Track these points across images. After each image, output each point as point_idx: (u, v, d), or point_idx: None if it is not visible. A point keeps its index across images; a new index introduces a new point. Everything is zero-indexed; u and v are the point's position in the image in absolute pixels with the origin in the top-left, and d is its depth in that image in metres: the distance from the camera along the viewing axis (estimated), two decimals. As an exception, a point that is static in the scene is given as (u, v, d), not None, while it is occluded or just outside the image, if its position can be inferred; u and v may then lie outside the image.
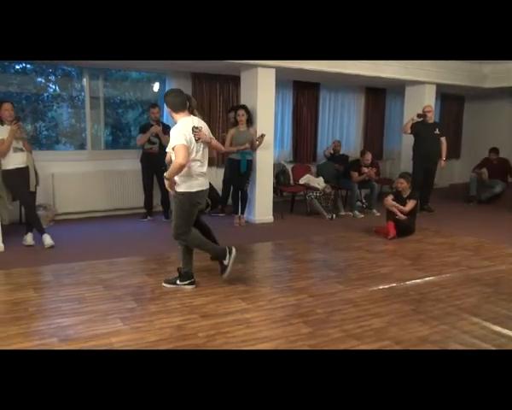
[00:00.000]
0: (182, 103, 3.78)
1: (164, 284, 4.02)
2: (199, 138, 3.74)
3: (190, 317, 3.40)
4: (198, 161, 3.77)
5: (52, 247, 5.08)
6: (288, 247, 5.44)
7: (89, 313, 3.41)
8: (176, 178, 3.72)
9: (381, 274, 4.49)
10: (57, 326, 3.21)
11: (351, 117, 9.32)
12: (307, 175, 7.54)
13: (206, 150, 3.90)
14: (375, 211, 7.34)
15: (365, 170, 7.33)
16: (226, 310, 3.55)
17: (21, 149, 5.05)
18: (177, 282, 4.00)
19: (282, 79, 7.35)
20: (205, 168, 3.87)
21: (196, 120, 3.81)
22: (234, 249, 3.98)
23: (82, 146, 7.13)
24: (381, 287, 4.13)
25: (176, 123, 3.77)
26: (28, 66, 6.67)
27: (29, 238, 5.17)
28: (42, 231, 5.14)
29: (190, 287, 3.98)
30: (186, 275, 4.00)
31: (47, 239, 5.11)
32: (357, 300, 3.82)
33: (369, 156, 7.40)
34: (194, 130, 3.72)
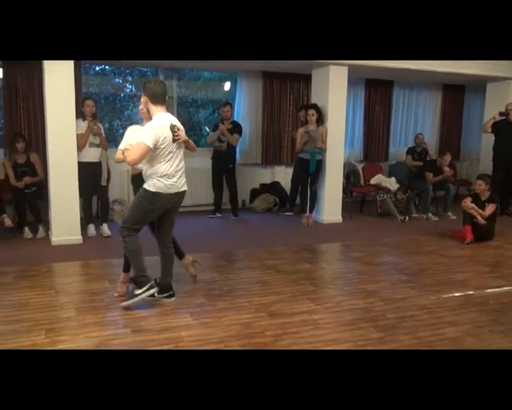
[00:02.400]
0: (163, 96, 3.36)
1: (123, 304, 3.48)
2: (178, 138, 3.34)
3: (258, 315, 3.41)
4: (169, 162, 3.34)
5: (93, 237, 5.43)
6: (356, 248, 5.32)
7: (160, 306, 3.51)
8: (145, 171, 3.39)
9: (457, 281, 4.26)
10: (131, 317, 3.33)
11: (426, 115, 8.95)
12: (379, 175, 7.33)
13: (182, 150, 3.46)
14: (450, 214, 6.99)
15: (447, 169, 7.01)
16: (293, 310, 3.52)
17: (97, 145, 5.35)
18: (156, 294, 3.50)
19: (353, 77, 7.20)
20: (178, 169, 3.41)
21: (174, 119, 3.44)
22: (155, 289, 3.46)
23: (156, 144, 7.36)
24: (456, 294, 3.93)
25: (150, 118, 3.37)
26: (107, 67, 7.00)
27: (105, 228, 5.45)
28: (89, 222, 5.54)
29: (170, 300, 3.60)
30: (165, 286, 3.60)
31: (91, 229, 5.50)
32: (430, 306, 3.65)
33: (448, 157, 7.06)
34: (173, 129, 3.32)
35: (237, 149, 6.93)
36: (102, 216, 5.60)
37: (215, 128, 6.62)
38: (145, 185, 3.39)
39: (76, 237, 5.15)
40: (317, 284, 4.14)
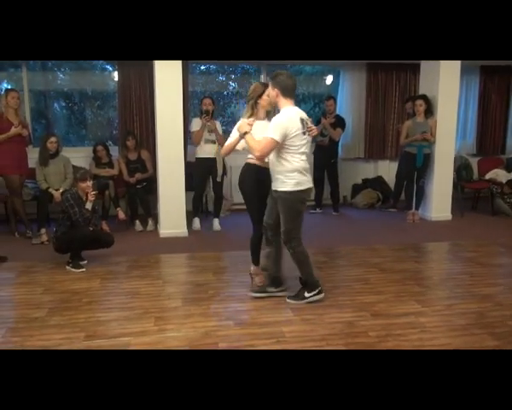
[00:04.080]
0: (294, 89, 3.33)
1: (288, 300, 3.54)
2: (311, 132, 3.34)
3: (361, 314, 3.30)
4: (304, 155, 3.33)
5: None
6: (468, 248, 4.94)
7: (261, 301, 3.53)
8: (280, 170, 3.31)
9: None
10: (233, 310, 3.40)
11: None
12: (495, 170, 6.74)
13: (308, 145, 3.42)
14: None
15: None
16: (398, 311, 3.36)
17: (213, 141, 5.53)
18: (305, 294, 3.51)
19: (466, 64, 6.69)
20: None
21: (302, 113, 3.38)
22: (323, 294, 3.52)
23: (257, 140, 7.47)
24: None
25: (279, 111, 3.35)
26: (212, 66, 7.21)
27: (216, 223, 5.71)
28: (195, 215, 5.71)
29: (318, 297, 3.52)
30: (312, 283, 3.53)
31: (196, 222, 5.68)
32: (557, 315, 3.28)
33: None
34: (303, 123, 3.29)
35: (339, 144, 6.79)
36: (215, 211, 5.79)
37: (317, 122, 6.55)
38: (286, 188, 3.30)
39: (182, 231, 5.37)
40: (425, 284, 3.92)
